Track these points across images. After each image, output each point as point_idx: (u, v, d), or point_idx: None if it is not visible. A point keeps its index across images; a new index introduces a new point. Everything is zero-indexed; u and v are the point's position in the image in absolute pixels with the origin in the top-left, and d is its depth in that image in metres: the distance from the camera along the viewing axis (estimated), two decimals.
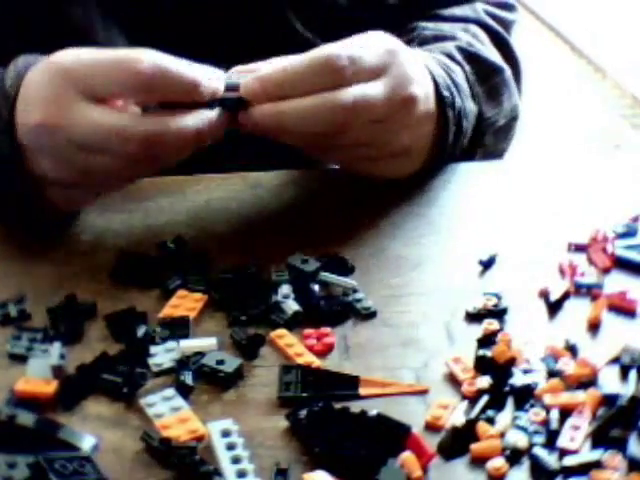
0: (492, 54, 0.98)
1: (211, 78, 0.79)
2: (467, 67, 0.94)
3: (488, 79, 0.96)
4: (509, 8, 1.04)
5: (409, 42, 0.96)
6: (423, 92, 0.85)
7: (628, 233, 0.83)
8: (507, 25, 1.02)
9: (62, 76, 0.77)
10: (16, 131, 0.79)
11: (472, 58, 0.96)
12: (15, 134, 0.79)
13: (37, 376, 0.68)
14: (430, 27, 0.99)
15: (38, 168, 0.80)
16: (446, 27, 0.99)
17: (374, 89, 0.81)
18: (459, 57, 0.95)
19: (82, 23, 0.93)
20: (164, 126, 0.77)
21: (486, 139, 0.96)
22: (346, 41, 0.82)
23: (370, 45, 0.83)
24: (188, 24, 0.96)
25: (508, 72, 0.99)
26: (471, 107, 0.92)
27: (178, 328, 0.73)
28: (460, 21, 1.00)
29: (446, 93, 0.89)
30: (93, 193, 0.84)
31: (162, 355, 0.70)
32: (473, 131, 0.93)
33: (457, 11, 1.01)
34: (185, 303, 0.75)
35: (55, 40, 0.82)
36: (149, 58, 0.76)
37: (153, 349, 0.71)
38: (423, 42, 0.97)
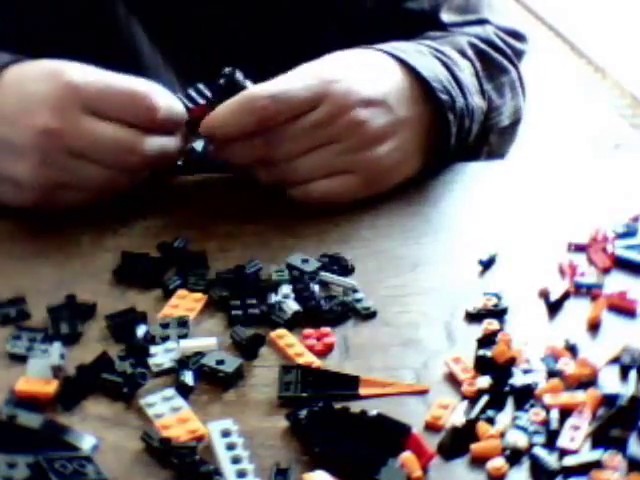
0: (506, 62, 0.99)
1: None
2: (478, 64, 0.95)
3: (495, 77, 0.96)
4: (519, 38, 1.04)
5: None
6: (378, 114, 0.85)
7: (628, 233, 0.83)
8: (516, 53, 1.02)
9: (70, 90, 0.80)
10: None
11: (482, 55, 0.96)
12: None
13: (37, 376, 0.68)
14: (440, 34, 0.99)
15: (11, 169, 0.82)
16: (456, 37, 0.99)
17: (307, 120, 0.83)
18: (470, 53, 0.95)
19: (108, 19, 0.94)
20: (159, 142, 0.83)
21: (491, 138, 0.96)
22: (274, 80, 0.84)
23: (298, 79, 0.84)
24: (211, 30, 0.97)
25: (514, 74, 0.99)
26: (478, 103, 0.92)
27: (178, 328, 0.73)
28: (469, 37, 1.00)
29: (444, 97, 0.88)
30: (63, 203, 0.85)
31: (162, 355, 0.70)
32: (480, 127, 0.94)
33: (467, 29, 1.01)
34: (185, 303, 0.75)
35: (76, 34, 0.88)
36: (159, 97, 0.82)
37: (153, 349, 0.71)
38: (432, 38, 0.97)
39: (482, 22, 1.02)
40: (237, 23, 0.97)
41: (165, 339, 0.72)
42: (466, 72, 0.93)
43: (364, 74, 0.86)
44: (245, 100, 0.83)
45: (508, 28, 1.03)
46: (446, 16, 1.00)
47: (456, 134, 0.90)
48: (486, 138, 0.96)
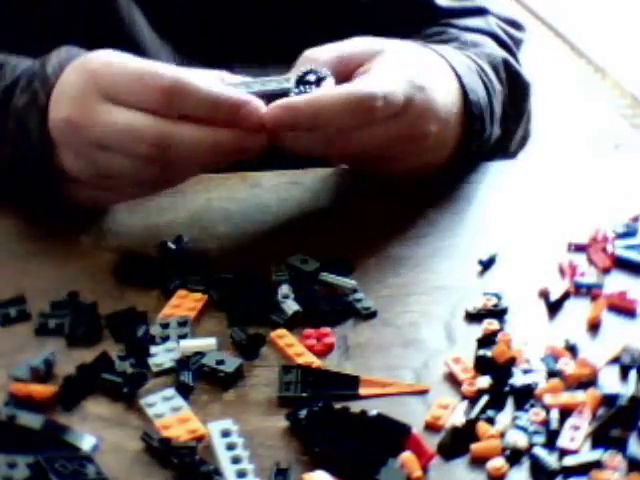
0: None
1: (241, 99, 0.78)
2: (506, 89, 0.95)
3: (517, 105, 0.97)
4: (517, 27, 1.04)
5: (443, 42, 0.96)
6: (438, 126, 0.85)
7: (628, 233, 0.83)
8: (516, 43, 1.02)
9: (90, 77, 0.79)
10: (48, 119, 0.81)
11: (513, 77, 0.96)
12: (47, 121, 0.81)
13: (18, 376, 0.68)
14: (455, 32, 0.99)
15: (62, 162, 0.81)
16: (474, 37, 0.98)
17: (389, 128, 0.82)
18: (503, 75, 0.95)
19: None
20: (178, 130, 0.77)
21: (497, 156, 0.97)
22: (379, 75, 0.82)
23: (395, 79, 0.82)
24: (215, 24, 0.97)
25: (530, 97, 1.00)
26: (496, 132, 0.93)
27: (178, 328, 0.73)
28: (476, 32, 0.99)
29: (477, 126, 0.89)
30: (116, 197, 0.84)
31: (162, 355, 0.70)
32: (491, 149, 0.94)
33: (469, 22, 1.01)
34: (185, 303, 0.75)
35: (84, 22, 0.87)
36: (170, 74, 0.78)
37: (153, 349, 0.71)
38: (465, 44, 0.97)
39: (482, 11, 1.02)
40: (238, 7, 0.97)
41: (165, 339, 0.72)
42: (498, 100, 0.93)
43: (440, 87, 0.86)
44: (362, 96, 0.79)
45: (507, 17, 1.04)
46: (443, 1, 1.00)
47: (469, 156, 0.91)
48: (489, 158, 0.96)
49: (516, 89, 0.97)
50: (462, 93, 0.89)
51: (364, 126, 0.80)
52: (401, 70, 0.83)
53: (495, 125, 0.92)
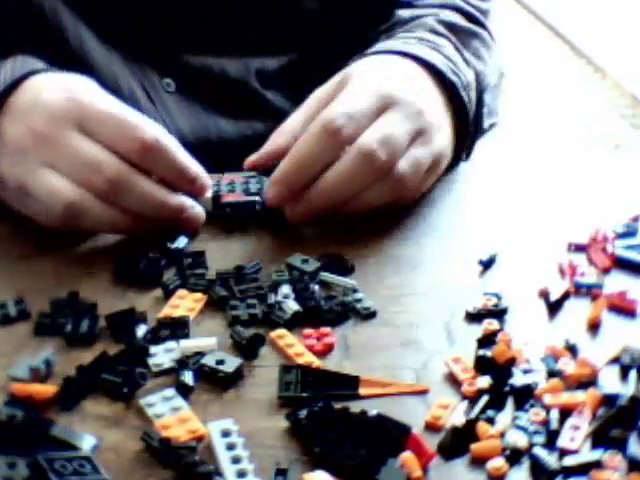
0: (473, 27, 1.00)
1: (202, 177, 0.83)
2: (452, 37, 0.96)
3: (469, 44, 0.98)
4: None
5: (388, 30, 0.99)
6: (436, 120, 0.86)
7: (628, 233, 0.83)
8: (482, 13, 1.03)
9: (75, 107, 0.81)
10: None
11: (451, 28, 0.97)
12: None
13: (18, 376, 0.68)
14: (407, 12, 1.01)
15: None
16: (422, 12, 1.00)
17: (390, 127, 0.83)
18: (442, 29, 0.96)
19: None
20: (136, 177, 0.80)
21: (486, 98, 0.97)
22: (337, 99, 0.83)
23: (360, 94, 0.83)
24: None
25: (484, 34, 1.01)
26: (468, 74, 0.94)
27: (178, 328, 0.72)
28: (435, 7, 1.01)
29: (454, 78, 0.90)
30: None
31: (162, 355, 0.70)
32: (476, 94, 0.95)
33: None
34: (185, 303, 0.75)
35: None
36: (153, 131, 0.80)
37: (153, 349, 0.71)
38: (403, 23, 0.99)
39: None
40: (188, 16, 0.98)
41: (165, 339, 0.72)
42: (450, 49, 0.94)
43: (412, 83, 0.87)
44: (321, 125, 0.81)
45: None
46: None
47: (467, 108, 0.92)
48: (482, 101, 0.96)
49: (460, 33, 0.97)
50: (430, 70, 0.90)
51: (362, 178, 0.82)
52: (365, 87, 0.84)
53: (462, 70, 0.93)
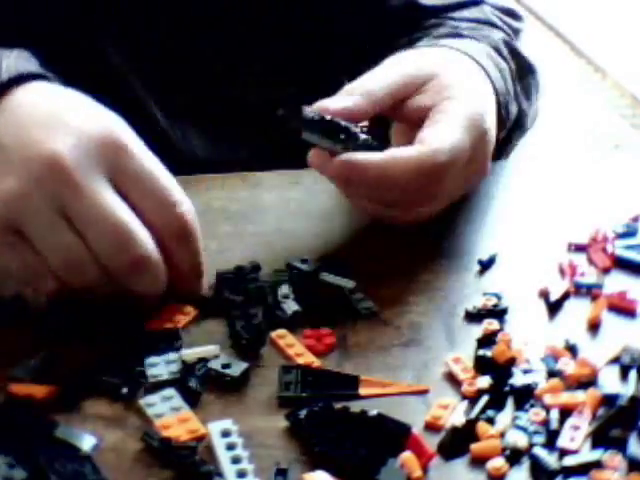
0: (531, 61, 0.98)
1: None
2: (512, 64, 0.94)
3: (524, 77, 0.96)
4: (515, 17, 1.03)
5: (449, 36, 0.94)
6: (492, 146, 0.84)
7: (628, 233, 0.83)
8: (514, 32, 1.01)
9: (110, 148, 0.69)
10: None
11: (514, 53, 0.95)
12: None
13: (18, 376, 0.68)
14: (456, 24, 0.97)
15: None
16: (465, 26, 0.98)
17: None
18: (505, 52, 0.94)
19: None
20: (157, 264, 0.70)
21: (514, 139, 0.96)
22: (450, 140, 0.78)
23: (467, 144, 0.80)
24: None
25: (538, 73, 0.99)
26: (513, 111, 0.92)
27: (172, 339, 0.71)
28: (473, 22, 0.99)
29: (503, 113, 0.88)
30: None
31: (161, 366, 0.69)
32: (509, 130, 0.94)
33: (466, 14, 1.00)
34: (172, 316, 0.74)
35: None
36: (190, 209, 0.72)
37: (152, 359, 0.69)
38: (462, 22, 0.96)
39: (477, 2, 1.01)
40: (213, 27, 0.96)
41: (162, 350, 0.70)
42: (508, 77, 0.92)
43: (492, 116, 0.84)
44: (431, 165, 0.77)
45: (504, 7, 1.03)
46: (431, 0, 0.99)
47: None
48: (511, 140, 0.96)
49: (520, 63, 0.96)
50: (493, 90, 0.88)
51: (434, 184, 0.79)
52: (462, 114, 0.80)
53: (511, 105, 0.91)
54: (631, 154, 2.12)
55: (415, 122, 0.81)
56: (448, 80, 0.83)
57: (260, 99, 0.97)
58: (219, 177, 0.91)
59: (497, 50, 0.93)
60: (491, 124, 0.83)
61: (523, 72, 0.96)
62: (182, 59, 0.96)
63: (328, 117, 0.78)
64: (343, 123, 0.78)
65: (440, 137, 0.79)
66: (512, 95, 0.92)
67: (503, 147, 0.95)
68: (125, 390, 0.67)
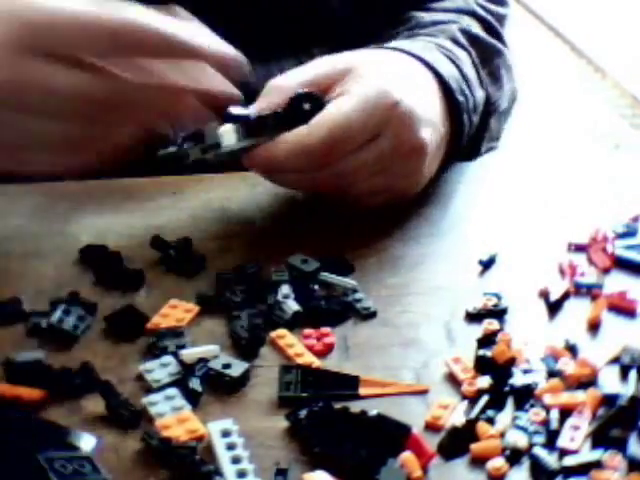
0: (499, 44, 0.99)
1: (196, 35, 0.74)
2: (472, 51, 0.94)
3: (489, 61, 0.96)
4: (501, 3, 1.04)
5: (408, 30, 0.96)
6: (430, 132, 0.84)
7: (628, 233, 0.83)
8: (499, 19, 1.02)
9: (23, 33, 0.69)
10: None
11: (474, 40, 0.95)
12: None
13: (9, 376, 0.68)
14: (426, 16, 0.99)
15: None
16: (441, 16, 0.98)
17: (372, 151, 0.81)
18: (463, 40, 0.94)
19: None
20: (130, 88, 0.72)
21: (491, 123, 0.96)
22: (331, 105, 0.80)
23: (361, 108, 0.80)
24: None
25: (506, 54, 0.99)
26: (480, 95, 0.92)
27: (175, 339, 0.71)
28: (453, 12, 1.00)
29: (461, 98, 0.88)
30: (22, 168, 0.76)
31: (159, 370, 0.69)
32: (480, 117, 0.94)
33: (448, 4, 1.01)
34: (175, 313, 0.74)
35: None
36: (118, 16, 0.70)
37: (148, 364, 0.69)
38: (422, 27, 0.97)
39: None
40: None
41: (163, 350, 0.70)
42: (467, 65, 0.92)
43: (416, 94, 0.84)
44: (302, 142, 0.79)
45: None
46: None
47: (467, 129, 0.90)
48: (486, 124, 0.95)
49: (482, 49, 0.96)
50: (439, 80, 0.88)
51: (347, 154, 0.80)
52: (372, 88, 0.82)
53: (475, 90, 0.91)
54: (631, 154, 2.11)
55: None
56: (363, 71, 0.83)
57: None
58: (219, 177, 0.91)
59: (454, 41, 0.93)
60: (406, 98, 0.82)
61: (487, 56, 0.96)
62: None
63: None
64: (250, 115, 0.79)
65: (327, 111, 0.79)
66: (475, 81, 0.92)
67: (481, 133, 0.95)
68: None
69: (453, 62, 0.91)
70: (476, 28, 0.98)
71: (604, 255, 0.81)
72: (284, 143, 0.79)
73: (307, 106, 0.80)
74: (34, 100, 0.70)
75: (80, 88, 0.70)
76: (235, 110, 0.79)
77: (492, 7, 1.02)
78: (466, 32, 0.96)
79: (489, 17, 1.01)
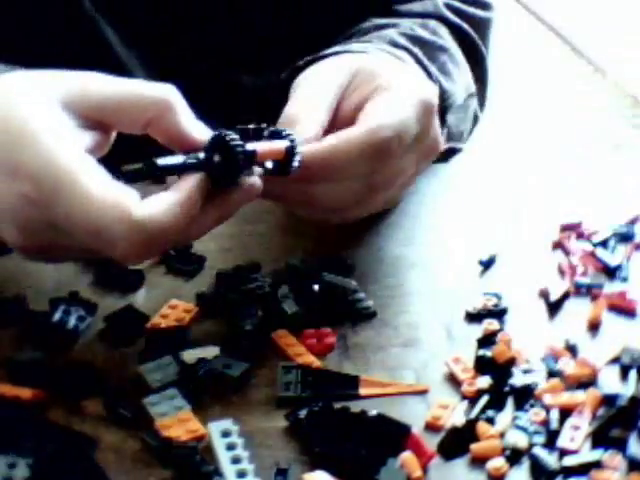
0: (442, 41, 0.94)
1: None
2: (415, 49, 0.89)
3: (436, 58, 0.92)
4: (482, 6, 1.00)
5: (346, 39, 0.92)
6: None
7: (628, 233, 0.83)
8: (478, 23, 0.98)
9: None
10: None
11: (416, 40, 0.91)
12: None
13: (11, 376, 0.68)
14: (383, 21, 0.94)
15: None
16: (394, 21, 0.94)
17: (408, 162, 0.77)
18: (402, 41, 0.89)
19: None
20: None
21: (448, 118, 0.92)
22: (393, 114, 0.74)
23: (412, 116, 0.76)
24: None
25: (453, 50, 0.94)
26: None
27: (174, 339, 0.71)
28: (418, 16, 0.95)
29: None
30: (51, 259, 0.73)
31: (160, 371, 0.69)
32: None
33: (416, 7, 0.97)
34: (175, 313, 0.75)
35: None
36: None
37: (148, 366, 0.69)
38: (363, 33, 0.92)
39: None
40: (204, 17, 0.95)
41: (163, 350, 0.70)
42: (410, 62, 0.87)
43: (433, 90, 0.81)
44: (380, 143, 0.72)
45: None
46: None
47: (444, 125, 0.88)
48: (443, 120, 0.90)
49: (426, 47, 0.91)
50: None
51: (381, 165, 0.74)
52: (410, 101, 0.76)
53: (444, 78, 0.89)
54: (631, 154, 2.11)
55: (351, 123, 0.76)
56: (370, 69, 0.79)
57: (255, 83, 0.97)
58: None
59: (392, 43, 0.88)
60: (434, 97, 0.79)
61: (432, 54, 0.91)
62: (177, 42, 0.96)
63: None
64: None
65: (383, 111, 0.74)
66: (422, 76, 0.86)
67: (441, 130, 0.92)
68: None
69: (397, 59, 0.85)
70: (435, 35, 0.93)
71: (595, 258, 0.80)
72: (345, 143, 0.72)
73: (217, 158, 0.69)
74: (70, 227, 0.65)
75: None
76: (162, 161, 0.67)
77: (467, 9, 0.98)
78: (405, 34, 0.91)
79: (459, 21, 0.97)
